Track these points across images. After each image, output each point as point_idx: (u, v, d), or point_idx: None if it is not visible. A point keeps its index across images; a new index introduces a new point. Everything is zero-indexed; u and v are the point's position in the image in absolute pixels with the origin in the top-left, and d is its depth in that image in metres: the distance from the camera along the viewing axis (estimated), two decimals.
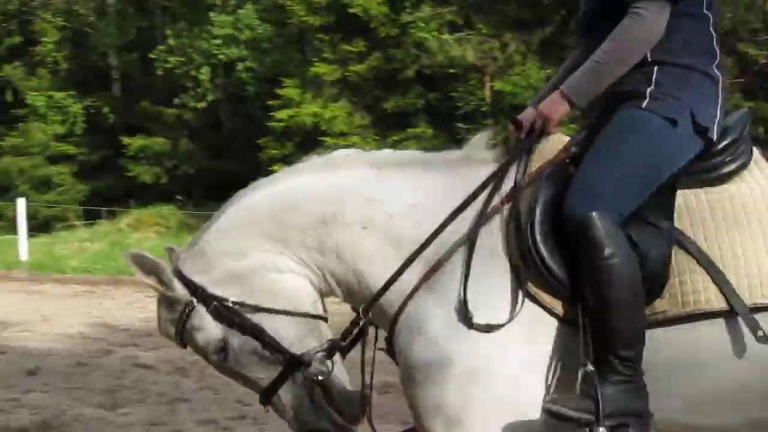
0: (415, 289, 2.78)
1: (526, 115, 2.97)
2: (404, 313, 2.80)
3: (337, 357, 2.95)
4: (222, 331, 2.91)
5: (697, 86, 2.80)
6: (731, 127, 2.86)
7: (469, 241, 2.76)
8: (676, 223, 2.71)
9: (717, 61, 2.84)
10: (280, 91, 19.72)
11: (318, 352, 2.89)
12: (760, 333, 2.59)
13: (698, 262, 2.65)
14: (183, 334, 2.95)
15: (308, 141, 17.71)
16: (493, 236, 2.78)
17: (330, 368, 2.88)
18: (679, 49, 2.80)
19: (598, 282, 2.61)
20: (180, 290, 2.92)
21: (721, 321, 2.63)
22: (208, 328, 2.92)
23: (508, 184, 2.85)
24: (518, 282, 2.70)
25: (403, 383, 2.82)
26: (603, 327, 2.61)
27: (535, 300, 2.69)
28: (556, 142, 2.90)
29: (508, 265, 2.74)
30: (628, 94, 2.82)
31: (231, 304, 2.89)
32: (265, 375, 2.93)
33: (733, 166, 2.81)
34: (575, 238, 2.65)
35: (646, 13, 2.74)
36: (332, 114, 19.03)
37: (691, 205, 2.76)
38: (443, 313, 2.72)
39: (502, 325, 2.66)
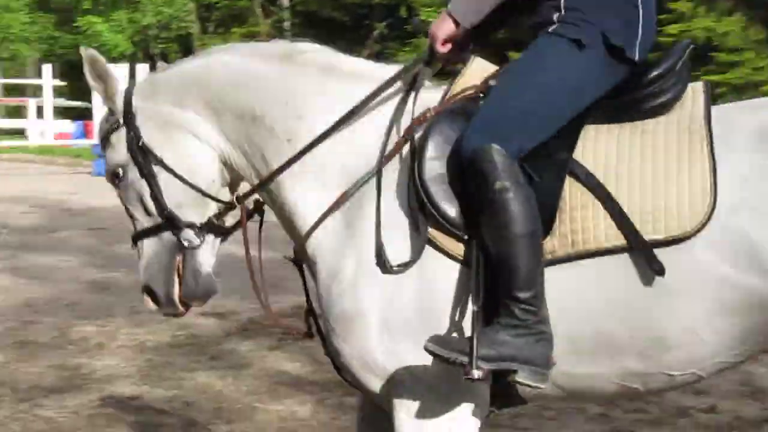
0: (323, 218, 2.73)
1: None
2: (315, 239, 2.75)
3: (213, 242, 2.95)
4: (126, 159, 2.95)
5: (611, 7, 2.62)
6: (664, 58, 2.66)
7: (377, 176, 2.67)
8: (580, 157, 2.55)
9: None
10: (671, 5, 19.53)
11: (192, 223, 2.89)
12: (656, 266, 2.44)
13: (594, 196, 2.50)
14: (103, 143, 3.04)
15: (699, 56, 17.45)
16: (397, 172, 2.68)
17: (198, 242, 2.89)
18: None
19: (492, 217, 2.49)
20: (119, 106, 2.96)
21: (614, 258, 2.48)
22: (118, 150, 2.97)
23: (418, 112, 2.73)
24: (417, 225, 2.60)
25: (324, 331, 2.79)
26: (498, 266, 2.49)
27: (432, 243, 2.59)
28: (481, 72, 2.76)
29: (408, 207, 2.64)
30: (540, 25, 2.68)
31: (141, 143, 2.91)
32: (143, 219, 2.96)
33: (658, 100, 2.62)
34: (468, 172, 2.54)
35: None
36: (726, 28, 18.66)
37: (600, 139, 2.59)
38: (356, 256, 2.64)
39: (405, 268, 2.57)
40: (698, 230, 2.42)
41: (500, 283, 2.48)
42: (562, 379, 2.58)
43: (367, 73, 2.85)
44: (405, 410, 2.60)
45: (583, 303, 2.50)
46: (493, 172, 2.46)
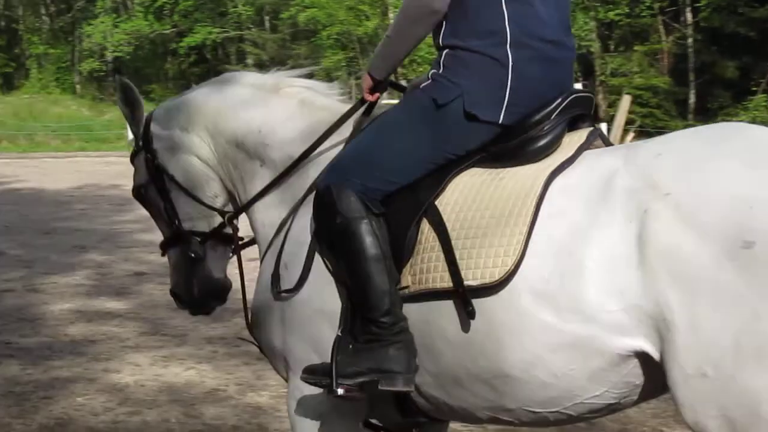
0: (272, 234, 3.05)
1: None
2: (266, 250, 3.07)
3: (222, 251, 3.31)
4: (146, 179, 3.32)
5: (477, 70, 2.67)
6: (545, 107, 2.67)
7: (294, 207, 2.98)
8: (442, 200, 2.66)
9: (510, 42, 2.66)
10: None
11: (195, 235, 3.23)
12: (469, 308, 2.52)
13: (439, 240, 2.59)
14: (133, 162, 3.40)
15: None
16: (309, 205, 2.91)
17: (201, 253, 3.22)
18: (466, 31, 2.70)
19: (336, 247, 2.72)
20: (140, 130, 3.33)
21: (445, 301, 2.58)
22: (140, 171, 3.36)
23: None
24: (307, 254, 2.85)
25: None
26: (350, 290, 2.71)
27: (325, 267, 2.82)
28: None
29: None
30: (425, 79, 2.82)
31: (155, 163, 3.28)
32: (164, 229, 3.36)
33: (532, 147, 2.64)
34: (318, 207, 2.78)
35: None
36: None
37: (466, 183, 2.67)
38: (271, 266, 2.95)
39: (290, 295, 2.83)
40: (505, 279, 2.45)
41: (356, 306, 2.69)
42: (444, 404, 2.71)
43: (335, 109, 3.10)
44: (294, 396, 2.91)
45: (428, 338, 2.63)
46: (332, 206, 2.69)
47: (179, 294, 3.34)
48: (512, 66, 2.66)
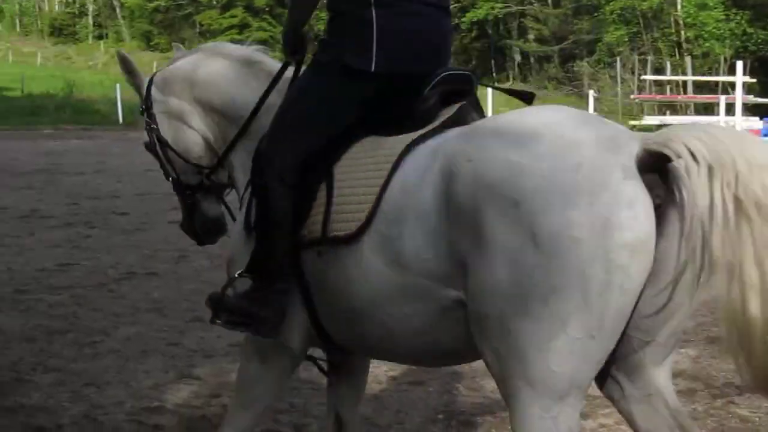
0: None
1: None
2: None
3: (214, 197, 3.70)
4: (147, 136, 3.72)
5: (348, 29, 3.04)
6: (420, 81, 2.96)
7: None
8: (337, 166, 2.97)
9: (374, 3, 2.98)
10: None
11: (188, 187, 3.67)
12: (324, 256, 2.88)
13: (326, 199, 2.93)
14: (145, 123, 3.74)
15: None
16: None
17: (196, 199, 3.67)
18: None
19: (255, 205, 3.10)
20: (143, 95, 3.72)
21: (323, 248, 2.89)
22: (144, 130, 3.74)
23: None
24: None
25: None
26: (255, 243, 3.08)
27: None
28: None
29: None
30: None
31: (152, 127, 3.68)
32: (170, 174, 3.74)
33: (407, 121, 2.92)
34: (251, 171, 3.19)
35: None
36: None
37: (353, 152, 2.97)
38: (239, 218, 3.31)
39: (239, 231, 3.21)
40: (357, 233, 2.77)
41: (255, 257, 3.05)
42: (338, 335, 3.02)
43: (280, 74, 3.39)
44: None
45: (320, 280, 2.94)
46: (256, 173, 3.10)
47: (185, 230, 3.81)
48: (376, 21, 2.98)
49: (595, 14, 41.99)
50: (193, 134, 3.64)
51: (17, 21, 75.28)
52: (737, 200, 2.25)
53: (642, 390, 2.61)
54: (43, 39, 65.90)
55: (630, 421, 2.66)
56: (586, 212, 2.31)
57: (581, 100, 32.56)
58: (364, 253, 2.76)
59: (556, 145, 2.42)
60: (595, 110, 26.14)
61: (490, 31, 48.03)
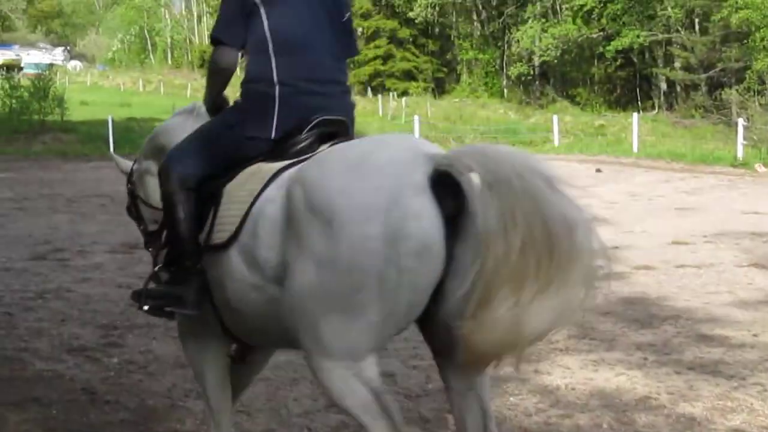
0: None
1: None
2: None
3: None
4: (128, 201, 4.44)
5: (256, 101, 3.56)
6: (304, 126, 3.49)
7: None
8: (229, 184, 3.47)
9: (277, 81, 3.51)
10: None
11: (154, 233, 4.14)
12: (212, 258, 3.42)
13: (213, 211, 3.46)
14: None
15: None
16: None
17: (155, 251, 4.07)
18: (249, 75, 3.60)
19: (164, 209, 3.61)
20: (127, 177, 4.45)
21: (210, 252, 3.45)
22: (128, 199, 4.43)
23: None
24: None
25: None
26: (167, 239, 3.68)
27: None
28: None
29: None
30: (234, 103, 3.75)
31: (129, 188, 4.40)
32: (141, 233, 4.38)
33: (290, 151, 3.44)
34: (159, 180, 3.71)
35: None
36: None
37: (245, 173, 3.46)
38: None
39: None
40: (228, 241, 3.31)
41: (169, 251, 3.64)
42: (231, 326, 3.52)
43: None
44: (178, 321, 3.88)
45: (212, 278, 3.46)
46: (163, 181, 3.60)
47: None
48: (278, 98, 3.50)
49: (745, 41, 40.77)
50: (154, 181, 4.11)
51: (168, 54, 78.52)
52: (506, 205, 2.69)
53: (463, 384, 3.13)
54: (194, 71, 68.38)
55: (452, 411, 3.19)
56: (381, 226, 2.82)
57: (730, 129, 32.14)
58: (232, 258, 3.29)
59: (364, 172, 2.92)
60: (744, 139, 25.43)
61: (635, 60, 47.56)
